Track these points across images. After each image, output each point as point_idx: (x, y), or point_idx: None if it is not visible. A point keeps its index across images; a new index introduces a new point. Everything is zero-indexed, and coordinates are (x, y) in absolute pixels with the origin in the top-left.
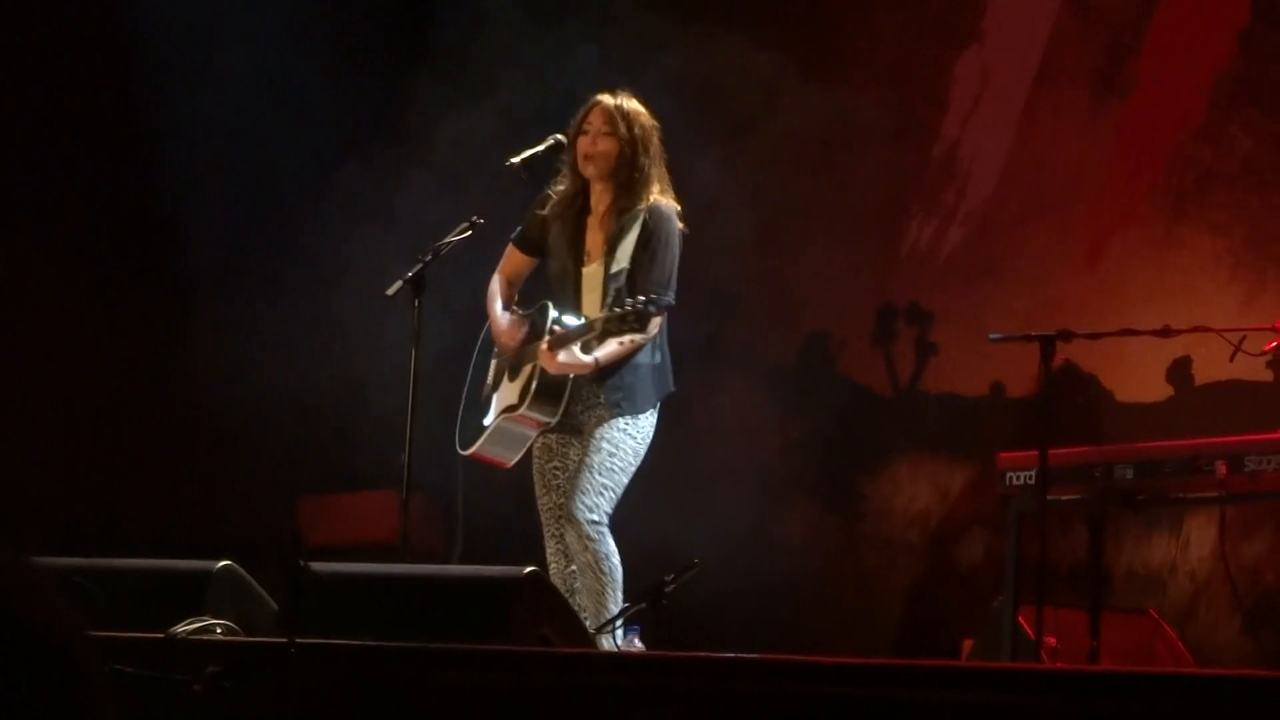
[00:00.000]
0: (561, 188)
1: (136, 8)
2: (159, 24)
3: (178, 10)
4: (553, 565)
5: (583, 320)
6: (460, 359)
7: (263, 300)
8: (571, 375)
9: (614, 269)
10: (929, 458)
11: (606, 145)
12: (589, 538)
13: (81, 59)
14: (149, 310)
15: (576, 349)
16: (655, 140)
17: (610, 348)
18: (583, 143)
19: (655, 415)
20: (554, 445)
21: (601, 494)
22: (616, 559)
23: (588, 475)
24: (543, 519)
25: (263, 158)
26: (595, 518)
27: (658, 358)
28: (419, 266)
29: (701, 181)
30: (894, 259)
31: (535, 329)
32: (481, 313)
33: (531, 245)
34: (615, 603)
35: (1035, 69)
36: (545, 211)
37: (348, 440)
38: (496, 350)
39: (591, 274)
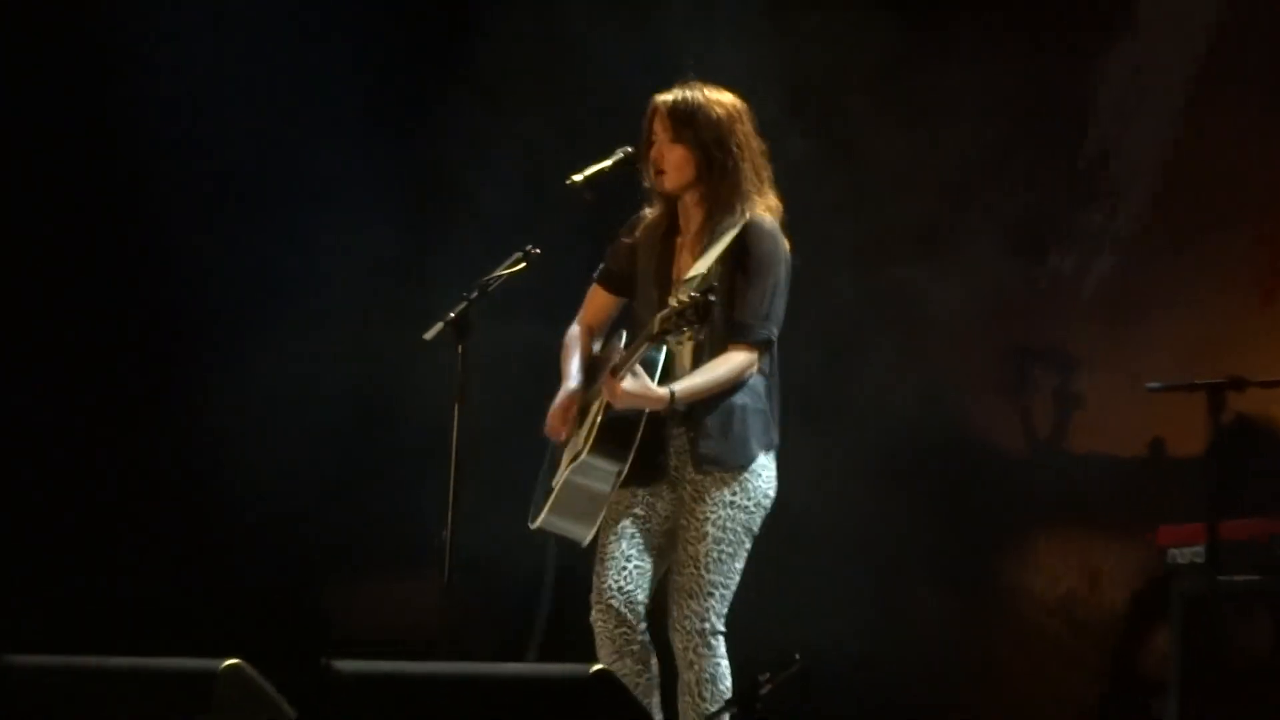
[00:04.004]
0: (650, 209)
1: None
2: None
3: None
4: (600, 623)
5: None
6: (515, 415)
7: (271, 337)
8: (646, 413)
9: (689, 274)
10: (1074, 531)
11: (675, 154)
12: (698, 652)
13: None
14: (142, 357)
15: (645, 375)
16: (740, 130)
17: (693, 380)
18: (653, 155)
19: (771, 466)
20: (636, 495)
21: (711, 594)
22: (729, 680)
23: (692, 573)
24: (600, 569)
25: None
26: (706, 626)
27: (766, 400)
28: (463, 305)
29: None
30: (1029, 293)
31: (603, 360)
32: (541, 360)
33: (619, 281)
34: None
35: (1198, 66)
36: (633, 239)
37: (379, 515)
38: (563, 388)
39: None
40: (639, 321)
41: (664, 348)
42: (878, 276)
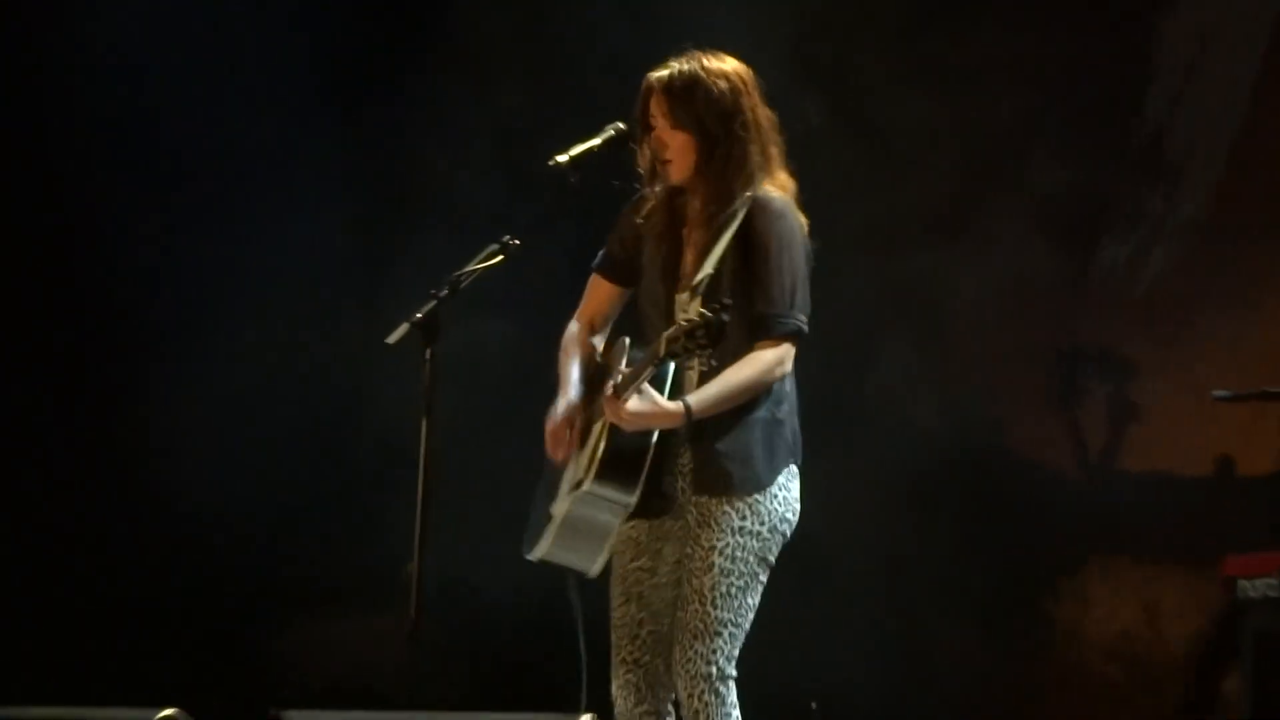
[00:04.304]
0: (653, 190)
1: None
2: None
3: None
4: (620, 699)
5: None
6: (491, 427)
7: (215, 341)
8: (655, 433)
9: (697, 277)
10: (1130, 562)
11: (678, 141)
12: (704, 699)
13: None
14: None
15: (653, 391)
16: (746, 104)
17: (712, 389)
18: (652, 142)
19: (792, 486)
20: (641, 538)
21: (719, 634)
22: None
23: (698, 609)
24: (615, 638)
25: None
26: (714, 669)
27: (783, 409)
28: (431, 305)
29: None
30: (1079, 289)
31: (605, 373)
32: (520, 364)
33: (623, 270)
34: None
35: (1271, 34)
36: (639, 223)
37: (337, 542)
38: (561, 400)
39: (684, 302)
40: (645, 318)
41: (628, 343)
42: (896, 265)
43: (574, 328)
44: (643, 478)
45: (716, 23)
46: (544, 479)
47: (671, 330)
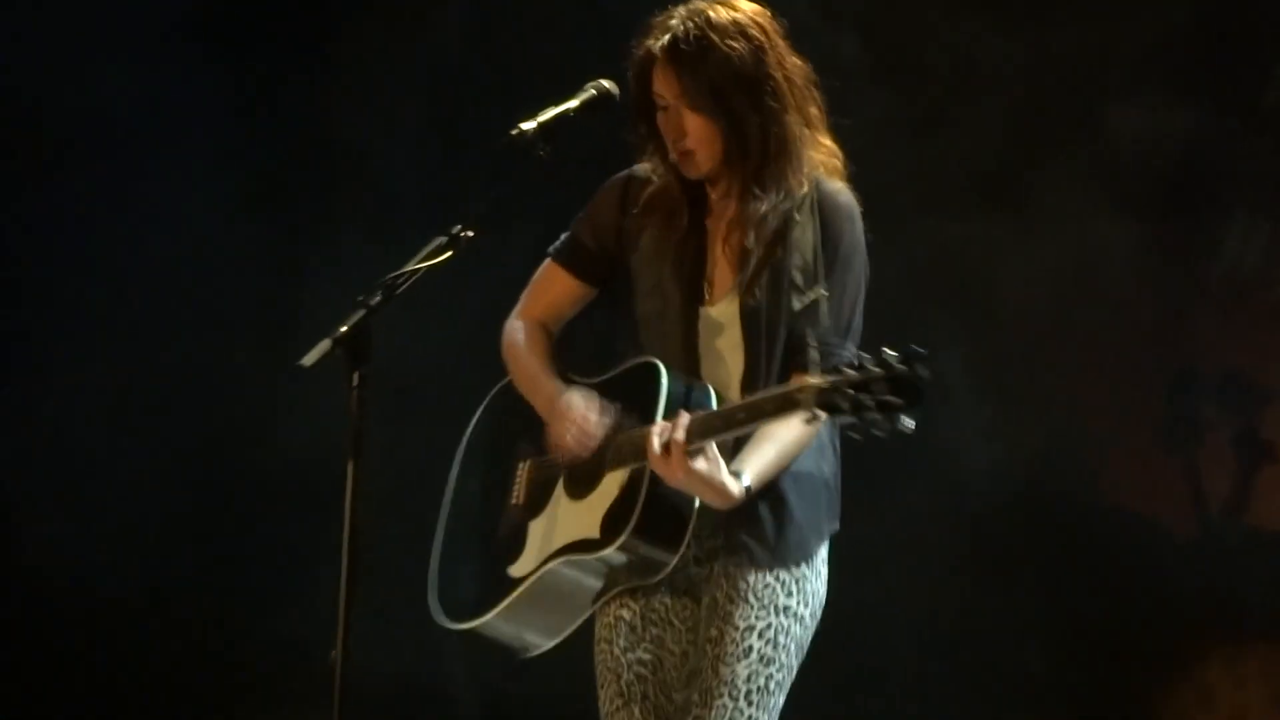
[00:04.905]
0: (648, 167)
1: None
2: None
3: None
4: None
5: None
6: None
7: (83, 357)
8: (697, 501)
9: (796, 304)
10: (1263, 646)
11: (695, 125)
12: None
13: None
14: None
15: (719, 459)
16: (771, 60)
17: (766, 458)
18: (663, 127)
19: (827, 559)
20: (634, 620)
21: None
22: None
23: (726, 704)
24: None
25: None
26: None
27: (831, 462)
28: (359, 315)
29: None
30: (1195, 288)
31: (628, 407)
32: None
33: (592, 265)
34: None
35: None
36: (632, 207)
37: (238, 621)
38: (524, 445)
39: (717, 315)
40: (643, 321)
41: (712, 389)
42: (940, 245)
43: (521, 327)
44: (687, 538)
45: None
46: (450, 531)
47: (824, 381)
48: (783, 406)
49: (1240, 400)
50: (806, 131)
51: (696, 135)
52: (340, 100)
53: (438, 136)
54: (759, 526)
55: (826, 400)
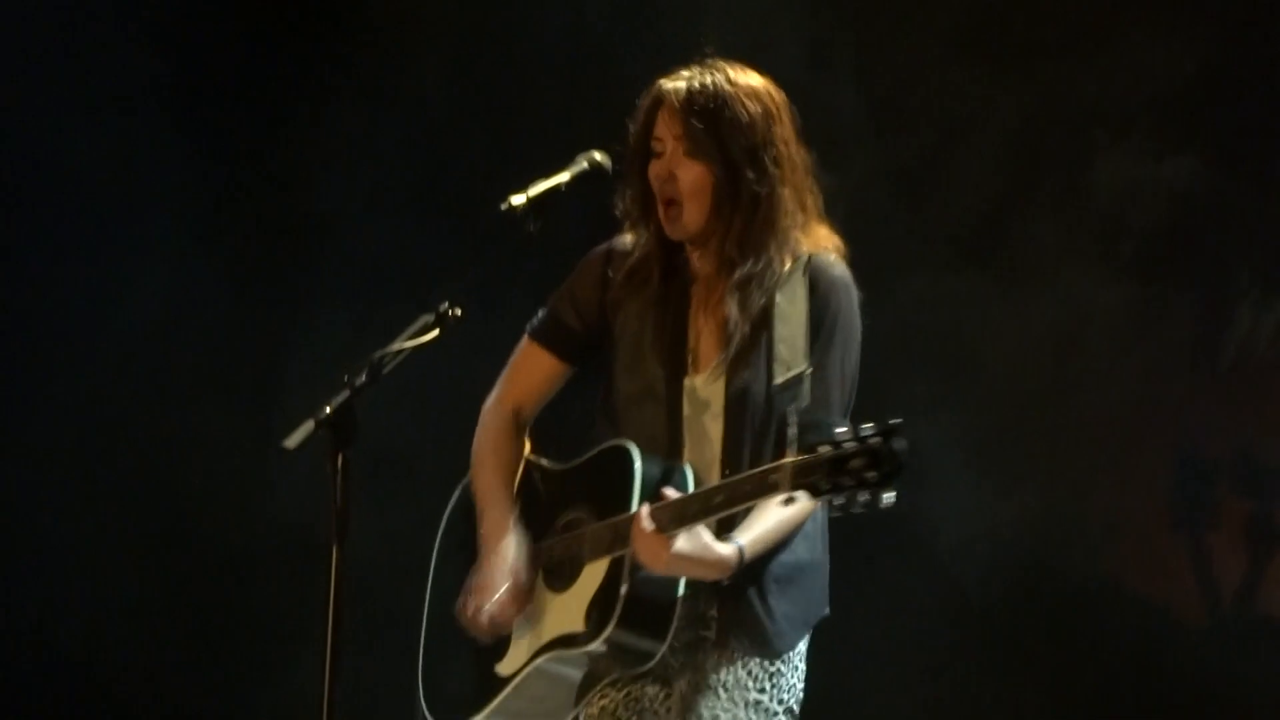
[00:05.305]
0: (630, 238)
1: None
2: None
3: None
4: None
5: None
6: (420, 556)
7: (35, 434)
8: (683, 584)
9: (778, 378)
10: None
11: (691, 174)
12: None
13: None
14: None
15: (705, 532)
16: (779, 135)
17: (764, 528)
18: (655, 177)
19: (806, 652)
20: (619, 711)
21: None
22: None
23: None
24: None
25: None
26: None
27: (819, 551)
28: (344, 396)
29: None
30: (1205, 360)
31: (602, 494)
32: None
33: (572, 343)
34: None
35: None
36: (612, 279)
37: (223, 706)
38: (504, 538)
39: (702, 391)
40: (622, 401)
41: (689, 470)
42: (931, 305)
43: (492, 425)
44: (673, 627)
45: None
46: (431, 627)
47: (803, 458)
48: (760, 488)
49: (1252, 483)
50: (800, 215)
51: (689, 184)
52: (318, 170)
53: (417, 207)
54: (741, 617)
55: (804, 480)
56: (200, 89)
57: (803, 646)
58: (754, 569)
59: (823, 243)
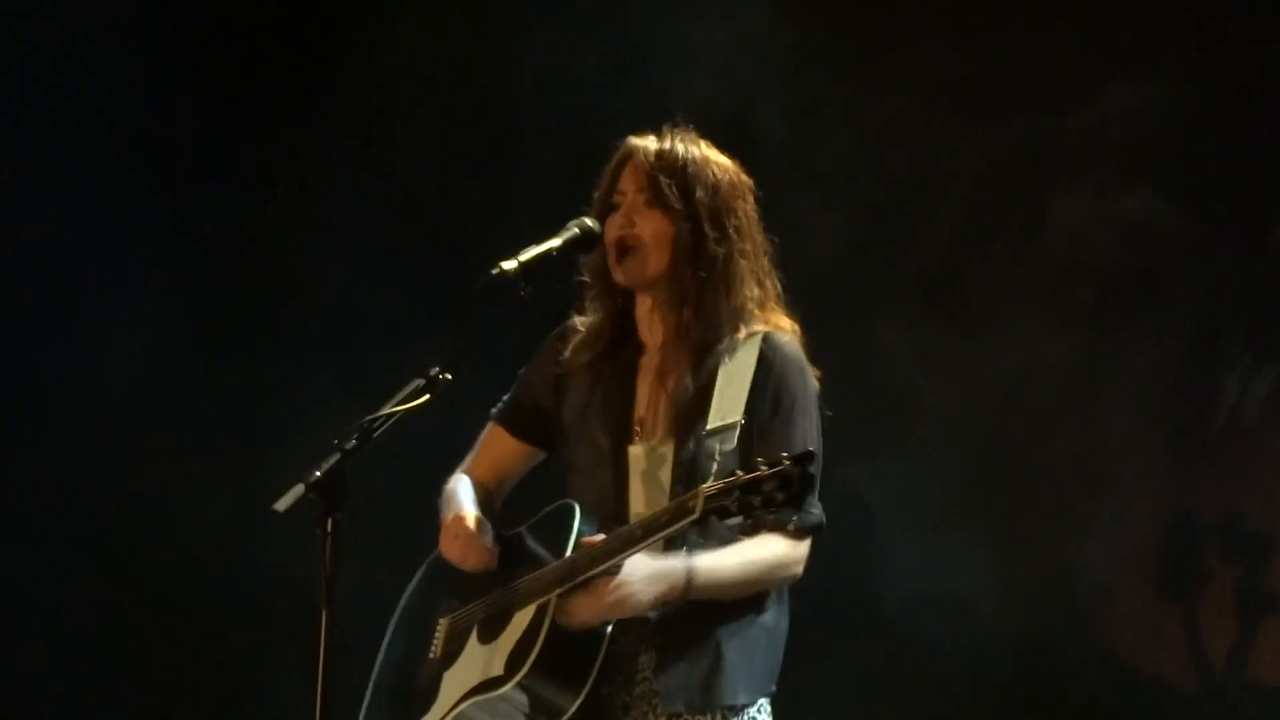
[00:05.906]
0: (588, 317)
1: None
2: None
3: None
4: None
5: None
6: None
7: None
8: (609, 628)
9: (708, 426)
10: None
11: (653, 225)
12: None
13: None
14: None
15: (650, 559)
16: (742, 209)
17: (722, 560)
18: (611, 227)
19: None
20: None
21: None
22: None
23: None
24: None
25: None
26: None
27: (773, 617)
28: (334, 460)
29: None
30: (1194, 427)
31: (545, 549)
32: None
33: (530, 424)
34: None
35: None
36: (564, 358)
37: None
38: (447, 602)
39: (647, 456)
40: (576, 470)
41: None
42: (895, 363)
43: (459, 477)
44: (593, 676)
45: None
46: (379, 684)
47: (715, 485)
48: (675, 515)
49: (1240, 550)
50: (758, 292)
51: (650, 232)
52: (300, 229)
53: (401, 266)
54: (685, 669)
55: (715, 504)
56: (180, 147)
57: (755, 710)
58: (691, 628)
59: (780, 324)
